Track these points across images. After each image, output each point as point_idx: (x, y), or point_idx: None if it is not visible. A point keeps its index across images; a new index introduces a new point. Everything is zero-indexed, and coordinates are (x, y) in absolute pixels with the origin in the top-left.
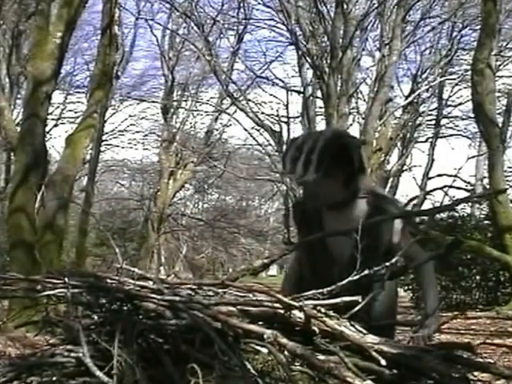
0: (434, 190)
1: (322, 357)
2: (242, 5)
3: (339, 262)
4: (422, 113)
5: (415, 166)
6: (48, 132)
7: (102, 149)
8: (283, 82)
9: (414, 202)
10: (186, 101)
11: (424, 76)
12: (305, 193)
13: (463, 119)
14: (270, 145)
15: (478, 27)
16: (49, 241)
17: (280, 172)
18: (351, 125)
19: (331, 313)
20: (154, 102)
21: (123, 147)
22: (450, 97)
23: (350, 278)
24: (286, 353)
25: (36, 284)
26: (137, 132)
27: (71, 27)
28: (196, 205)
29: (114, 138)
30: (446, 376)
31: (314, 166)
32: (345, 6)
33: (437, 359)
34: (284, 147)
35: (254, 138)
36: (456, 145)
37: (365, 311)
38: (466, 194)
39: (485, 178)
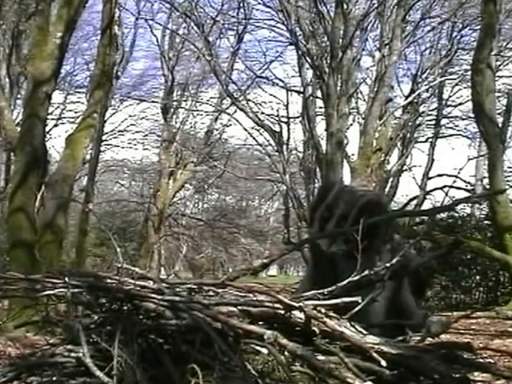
0: (434, 189)
1: (322, 357)
2: (241, 5)
3: None
4: (421, 113)
5: (415, 166)
6: (48, 132)
7: (102, 149)
8: (283, 82)
9: (414, 202)
10: (186, 101)
11: (424, 76)
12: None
13: (463, 119)
14: (270, 145)
15: (478, 27)
16: (49, 241)
17: (307, 226)
18: (351, 125)
19: (331, 313)
20: (154, 102)
21: (123, 147)
22: (450, 97)
23: (350, 279)
24: (286, 353)
25: (36, 283)
26: (137, 132)
27: (71, 27)
28: (196, 205)
29: (114, 138)
30: (446, 376)
31: (343, 238)
32: (345, 6)
33: (437, 359)
34: (284, 147)
35: (254, 138)
36: (456, 145)
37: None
38: (466, 194)
39: (485, 178)
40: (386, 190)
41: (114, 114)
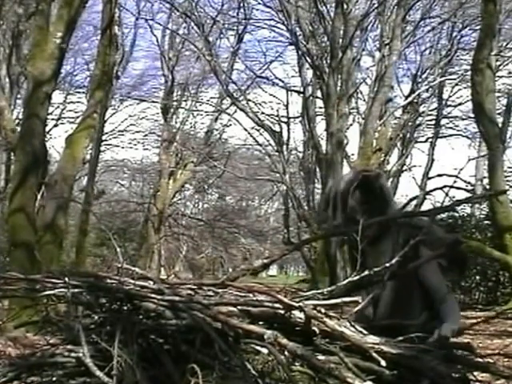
0: (434, 189)
1: (322, 357)
2: (242, 5)
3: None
4: (421, 113)
5: (415, 166)
6: (48, 132)
7: (102, 149)
8: (283, 82)
9: (414, 202)
10: (186, 101)
11: (424, 76)
12: (343, 235)
13: (463, 119)
14: (270, 145)
15: (478, 27)
16: (49, 241)
17: (317, 226)
18: (351, 125)
19: (331, 313)
20: (154, 102)
21: (123, 147)
22: (450, 97)
23: (349, 279)
24: (286, 353)
25: (36, 283)
26: (137, 132)
27: (71, 27)
28: (196, 205)
29: (114, 138)
30: (446, 376)
31: (339, 210)
32: (345, 6)
33: (437, 359)
34: (284, 147)
35: (254, 138)
36: (456, 145)
37: None
38: (466, 194)
39: (485, 178)
40: (390, 189)
41: (114, 114)
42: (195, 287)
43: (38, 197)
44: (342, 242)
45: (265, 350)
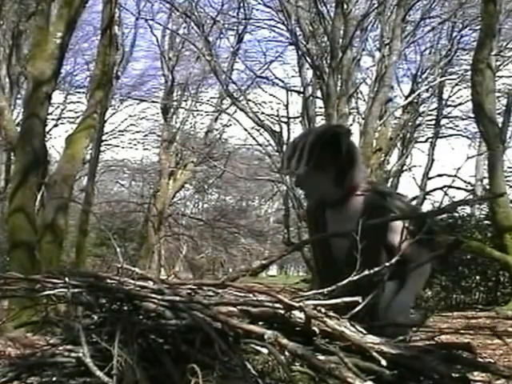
0: (434, 190)
1: (322, 357)
2: (242, 5)
3: (338, 262)
4: (422, 113)
5: (415, 166)
6: (48, 132)
7: (102, 149)
8: (283, 82)
9: (414, 202)
10: (186, 101)
11: (424, 76)
12: (302, 190)
13: (463, 119)
14: (270, 145)
15: (478, 27)
16: (49, 241)
17: (277, 170)
18: (351, 125)
19: (331, 313)
20: (154, 102)
21: (123, 147)
22: (450, 97)
23: (349, 278)
24: (286, 353)
25: (36, 283)
26: (137, 132)
27: (71, 27)
28: (196, 205)
29: (114, 138)
30: (446, 376)
31: (304, 159)
32: (345, 6)
33: (437, 359)
34: (284, 147)
35: (254, 138)
36: (456, 145)
37: None
38: (466, 194)
39: (485, 178)
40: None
41: (114, 114)
42: (195, 287)
43: (38, 197)
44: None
45: (265, 350)
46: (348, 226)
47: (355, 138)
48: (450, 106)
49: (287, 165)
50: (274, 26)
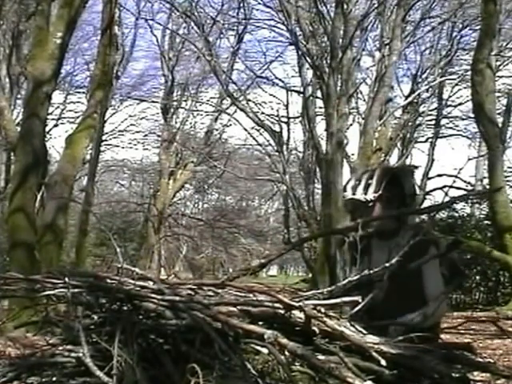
0: (434, 190)
1: (322, 357)
2: (241, 5)
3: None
4: (421, 113)
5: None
6: (48, 132)
7: (102, 149)
8: (283, 82)
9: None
10: (186, 101)
11: (424, 76)
12: (361, 216)
13: (463, 119)
14: (270, 145)
15: (478, 27)
16: (49, 241)
17: (343, 199)
18: (351, 125)
19: (331, 313)
20: (154, 102)
21: (123, 147)
22: (450, 97)
23: (349, 278)
24: (286, 353)
25: (36, 284)
26: (137, 132)
27: (71, 27)
28: (196, 205)
29: (114, 138)
30: (446, 376)
31: (372, 188)
32: (345, 6)
33: (437, 359)
34: (284, 147)
35: (254, 138)
36: (456, 145)
37: None
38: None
39: (485, 178)
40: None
41: (114, 114)
42: (195, 287)
43: (38, 197)
44: (344, 239)
45: (265, 350)
46: (392, 256)
47: (356, 138)
48: (450, 105)
49: (353, 191)
50: (274, 26)
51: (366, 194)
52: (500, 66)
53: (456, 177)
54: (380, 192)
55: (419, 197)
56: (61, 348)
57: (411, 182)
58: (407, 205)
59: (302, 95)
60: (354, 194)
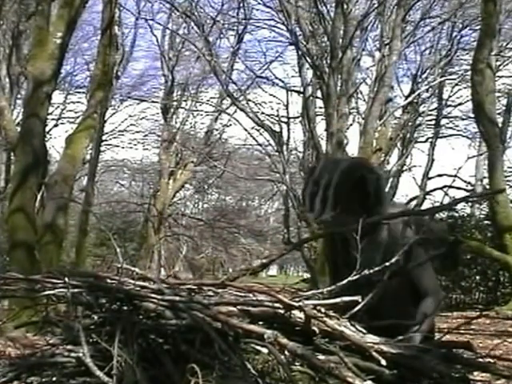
0: (434, 190)
1: (322, 357)
2: (241, 5)
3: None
4: (421, 113)
5: (415, 166)
6: (48, 132)
7: (102, 149)
8: (283, 82)
9: (414, 202)
10: (186, 101)
11: (424, 76)
12: (328, 227)
13: (463, 119)
14: (270, 145)
15: (478, 27)
16: (49, 241)
17: (302, 210)
18: (351, 125)
19: (331, 313)
20: (154, 102)
21: (123, 147)
22: (450, 97)
23: (349, 278)
24: (286, 353)
25: (36, 284)
26: (137, 132)
27: (71, 27)
28: (196, 205)
29: (114, 138)
30: (446, 376)
31: (330, 204)
32: (345, 6)
33: (437, 359)
34: (284, 147)
35: (254, 138)
36: (456, 145)
37: None
38: (466, 194)
39: (485, 178)
40: (386, 190)
41: (114, 114)
42: (195, 287)
43: (38, 197)
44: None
45: (265, 350)
46: (375, 253)
47: (356, 138)
48: (450, 105)
49: (310, 207)
50: (274, 26)
51: (323, 211)
52: (500, 66)
53: (456, 177)
54: (338, 208)
55: (384, 188)
56: (61, 348)
57: (375, 187)
58: (372, 206)
59: (302, 95)
60: (311, 209)
